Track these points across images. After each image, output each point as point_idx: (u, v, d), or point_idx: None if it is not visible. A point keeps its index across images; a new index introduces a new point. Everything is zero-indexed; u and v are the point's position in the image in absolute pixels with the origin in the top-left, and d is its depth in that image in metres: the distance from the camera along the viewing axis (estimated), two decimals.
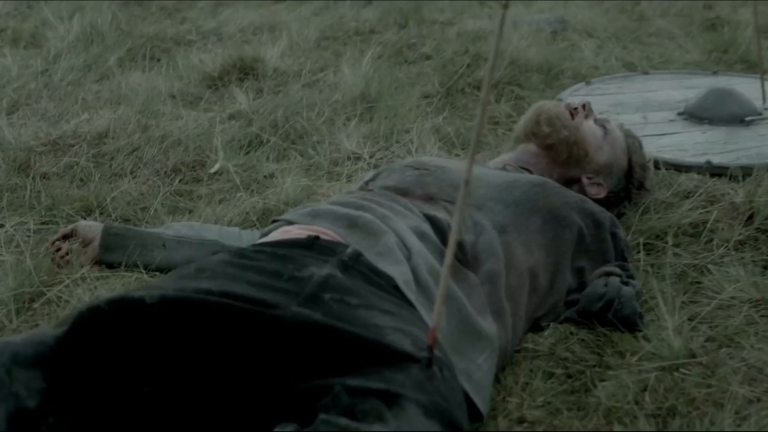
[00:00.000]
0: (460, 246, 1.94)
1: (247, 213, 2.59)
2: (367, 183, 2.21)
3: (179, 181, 2.84)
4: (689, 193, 2.61)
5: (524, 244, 2.05)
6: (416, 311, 1.73)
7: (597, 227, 2.20)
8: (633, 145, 2.51)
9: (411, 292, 1.77)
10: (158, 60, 3.96)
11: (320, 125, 3.17)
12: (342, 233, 1.90)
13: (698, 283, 2.24)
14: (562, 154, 2.37)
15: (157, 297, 1.57)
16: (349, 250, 1.82)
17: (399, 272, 1.79)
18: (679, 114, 3.10)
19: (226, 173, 2.88)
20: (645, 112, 3.13)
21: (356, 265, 1.78)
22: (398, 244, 1.88)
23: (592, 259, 2.17)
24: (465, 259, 1.95)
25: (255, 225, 2.54)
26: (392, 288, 1.75)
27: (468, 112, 3.32)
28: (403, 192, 2.09)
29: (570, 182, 2.39)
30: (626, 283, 2.10)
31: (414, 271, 1.82)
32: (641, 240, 2.38)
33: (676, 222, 2.44)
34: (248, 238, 2.37)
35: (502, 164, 2.35)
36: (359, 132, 3.11)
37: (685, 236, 2.43)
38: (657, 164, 2.69)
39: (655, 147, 2.78)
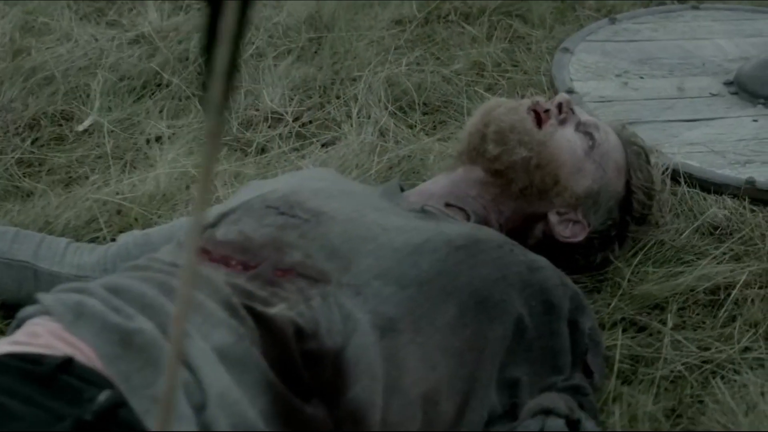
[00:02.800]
0: (311, 359, 1.23)
1: (93, 214, 1.87)
2: (210, 226, 1.47)
3: (32, 143, 2.12)
4: (715, 231, 1.81)
5: (423, 352, 1.32)
6: None
7: (549, 312, 1.44)
8: (636, 159, 1.71)
9: None
10: None
11: (242, 62, 2.39)
12: (106, 357, 1.18)
13: (699, 401, 1.49)
14: (517, 182, 1.59)
15: None
16: (101, 398, 1.11)
17: None
18: (726, 84, 2.25)
19: (98, 132, 2.15)
20: (682, 76, 2.28)
21: (110, 426, 1.08)
22: (189, 383, 1.16)
23: (533, 364, 1.42)
24: (318, 382, 1.23)
25: (100, 233, 1.82)
26: None
27: (447, 53, 2.50)
28: (245, 260, 1.36)
29: (530, 221, 1.63)
30: (575, 425, 1.35)
31: None
32: (626, 315, 1.62)
33: (687, 285, 1.66)
34: (71, 259, 1.67)
35: (422, 202, 1.57)
36: (290, 78, 2.32)
37: (695, 307, 1.66)
38: (676, 177, 1.89)
39: (678, 145, 1.97)
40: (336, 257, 1.35)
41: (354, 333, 1.27)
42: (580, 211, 1.63)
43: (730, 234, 1.80)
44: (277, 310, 1.26)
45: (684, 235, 1.79)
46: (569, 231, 1.63)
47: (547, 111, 1.62)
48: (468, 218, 1.58)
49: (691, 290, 1.66)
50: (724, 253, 1.75)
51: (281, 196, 1.49)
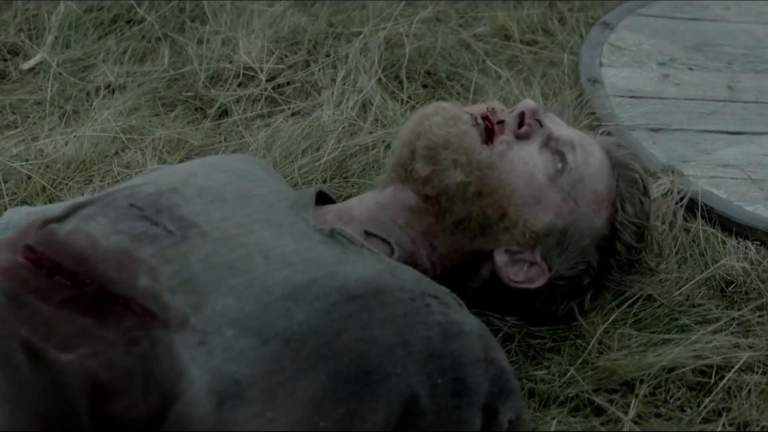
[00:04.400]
0: (111, 426, 0.98)
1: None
2: (56, 219, 1.18)
3: None
4: (727, 288, 1.44)
5: None
6: None
7: (458, 394, 1.13)
8: (628, 189, 1.36)
9: None
10: None
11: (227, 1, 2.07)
12: None
13: None
14: (452, 213, 1.26)
15: None
16: None
17: None
18: None
19: (45, 73, 1.88)
20: (741, 72, 1.87)
21: None
22: None
23: None
24: None
25: (1, 200, 1.57)
26: None
27: (475, 11, 2.13)
28: (78, 273, 1.08)
29: (473, 260, 1.30)
30: None
31: None
32: (581, 390, 1.28)
33: (670, 360, 1.31)
34: None
35: (332, 224, 1.26)
36: (277, 27, 2.00)
37: (675, 391, 1.31)
38: (693, 208, 1.52)
39: (706, 166, 1.59)
40: (189, 289, 1.07)
41: (181, 397, 0.99)
42: (539, 251, 1.29)
43: (746, 295, 1.43)
44: (73, 357, 0.99)
45: (685, 288, 1.43)
46: (523, 275, 1.30)
47: (501, 122, 1.27)
48: (391, 253, 1.26)
49: (672, 369, 1.31)
50: (730, 321, 1.39)
51: (152, 193, 1.19)
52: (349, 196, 1.53)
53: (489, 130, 1.27)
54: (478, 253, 1.29)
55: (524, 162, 1.27)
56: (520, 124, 1.29)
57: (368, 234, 1.27)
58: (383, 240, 1.27)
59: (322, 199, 1.37)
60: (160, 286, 1.06)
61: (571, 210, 1.30)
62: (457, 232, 1.27)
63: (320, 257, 1.15)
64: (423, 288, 1.17)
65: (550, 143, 1.30)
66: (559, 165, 1.29)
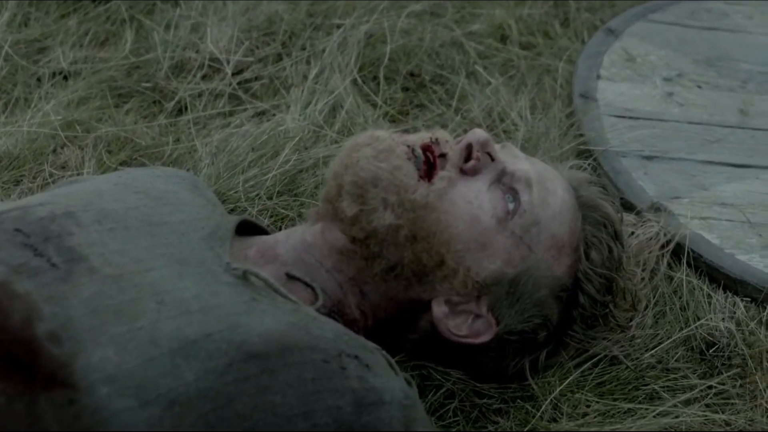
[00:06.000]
0: None
1: None
2: None
3: None
4: (707, 351, 1.27)
5: None
6: None
7: None
8: (595, 233, 1.20)
9: None
10: None
11: None
12: None
13: None
14: (382, 259, 1.11)
15: None
16: None
17: None
18: None
19: None
20: (756, 93, 1.68)
21: None
22: None
23: None
24: None
25: None
26: None
27: (473, 5, 1.95)
28: None
29: (411, 310, 1.15)
30: None
31: None
32: None
33: None
34: None
35: (252, 262, 1.11)
36: (251, 15, 1.84)
37: None
38: (679, 254, 1.35)
39: (700, 205, 1.42)
40: (66, 336, 0.93)
41: None
42: (485, 301, 1.14)
43: (728, 360, 1.26)
44: None
45: (659, 348, 1.26)
46: (467, 328, 1.14)
47: (443, 156, 1.11)
48: (315, 300, 1.11)
49: None
50: (707, 390, 1.22)
51: (44, 217, 1.05)
52: (292, 220, 1.38)
53: (430, 164, 1.11)
54: (414, 302, 1.14)
55: (467, 202, 1.11)
56: (467, 157, 1.12)
57: (290, 277, 1.12)
58: (306, 284, 1.12)
59: (251, 228, 1.22)
60: (33, 328, 0.92)
61: (524, 257, 1.14)
62: (390, 279, 1.12)
63: (223, 305, 1.00)
64: (341, 347, 1.01)
65: (503, 179, 1.14)
66: (511, 206, 1.13)
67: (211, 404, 0.93)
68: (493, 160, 1.13)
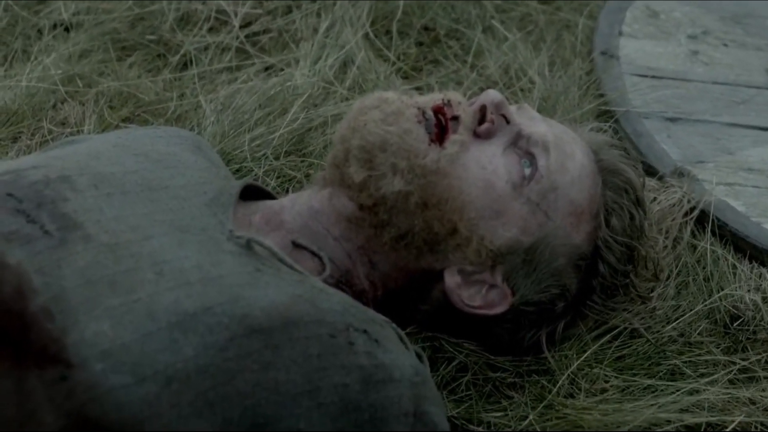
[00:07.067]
0: None
1: None
2: None
3: None
4: (732, 325, 1.22)
5: None
6: None
7: None
8: (617, 199, 1.15)
9: None
10: None
11: None
12: None
13: None
14: (391, 227, 1.06)
15: None
16: None
17: None
18: None
19: None
20: None
21: None
22: None
23: None
24: None
25: None
26: None
27: None
28: None
29: (422, 280, 1.10)
30: None
31: None
32: None
33: (648, 417, 1.10)
34: None
35: (256, 228, 1.06)
36: None
37: None
38: (703, 222, 1.29)
39: (726, 170, 1.36)
40: (57, 309, 0.89)
41: None
42: (500, 271, 1.09)
43: (753, 334, 1.21)
44: None
45: (680, 321, 1.21)
46: (481, 299, 1.10)
47: (456, 118, 1.05)
48: (322, 270, 1.06)
49: (654, 425, 1.10)
50: (730, 366, 1.17)
51: (37, 181, 1.00)
52: (300, 181, 1.33)
53: (442, 127, 1.05)
54: (426, 272, 1.09)
55: (481, 167, 1.05)
56: (481, 120, 1.07)
57: (296, 245, 1.07)
58: (313, 254, 1.07)
59: (257, 192, 1.17)
60: (24, 301, 0.88)
61: (541, 225, 1.09)
62: (400, 248, 1.07)
63: (225, 276, 0.95)
64: (349, 320, 0.97)
65: (519, 143, 1.08)
66: (527, 171, 1.07)
67: (211, 381, 0.89)
68: (508, 122, 1.08)
